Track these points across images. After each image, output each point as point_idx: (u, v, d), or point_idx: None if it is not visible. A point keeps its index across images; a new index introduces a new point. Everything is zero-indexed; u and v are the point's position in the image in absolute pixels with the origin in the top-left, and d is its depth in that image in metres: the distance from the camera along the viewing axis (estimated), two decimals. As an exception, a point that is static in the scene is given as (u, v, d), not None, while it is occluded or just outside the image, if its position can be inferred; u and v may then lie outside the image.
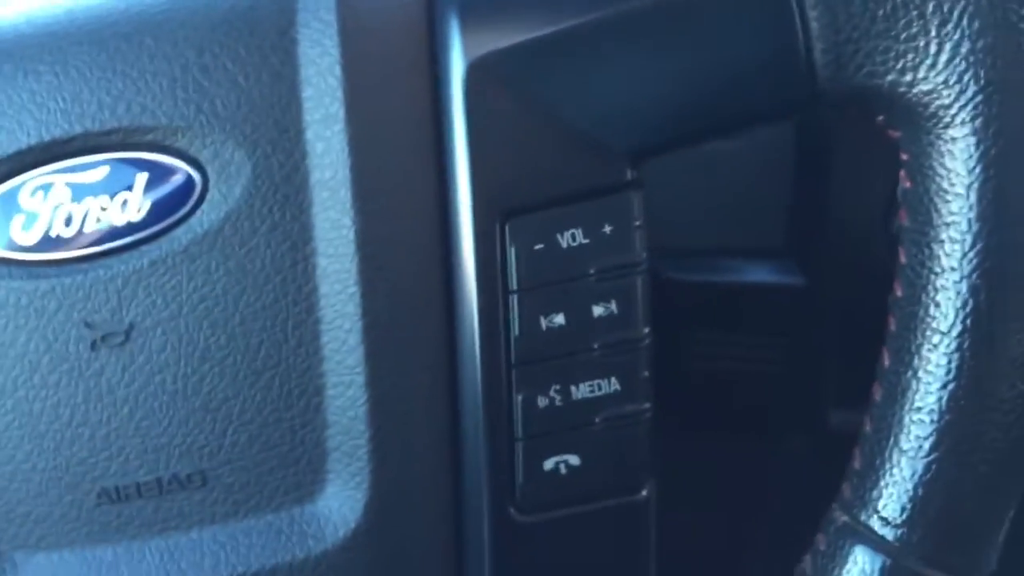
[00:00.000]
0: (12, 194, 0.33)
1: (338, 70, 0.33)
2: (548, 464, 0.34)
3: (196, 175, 0.33)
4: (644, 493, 0.35)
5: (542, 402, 0.34)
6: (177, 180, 0.33)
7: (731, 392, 0.51)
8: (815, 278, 0.47)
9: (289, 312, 0.34)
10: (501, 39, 0.32)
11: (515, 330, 0.33)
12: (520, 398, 0.34)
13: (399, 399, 0.34)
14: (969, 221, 0.29)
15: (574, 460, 0.34)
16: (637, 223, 0.33)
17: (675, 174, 0.47)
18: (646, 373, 0.34)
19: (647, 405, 0.34)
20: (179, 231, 0.33)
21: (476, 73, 0.33)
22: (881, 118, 0.31)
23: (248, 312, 0.33)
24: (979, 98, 0.29)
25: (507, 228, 0.33)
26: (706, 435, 0.54)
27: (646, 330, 0.34)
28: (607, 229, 0.33)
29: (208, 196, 0.33)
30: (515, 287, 0.33)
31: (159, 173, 0.33)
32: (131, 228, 0.33)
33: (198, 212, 0.33)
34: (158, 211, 0.33)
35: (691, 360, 0.49)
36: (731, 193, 0.48)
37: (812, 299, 0.47)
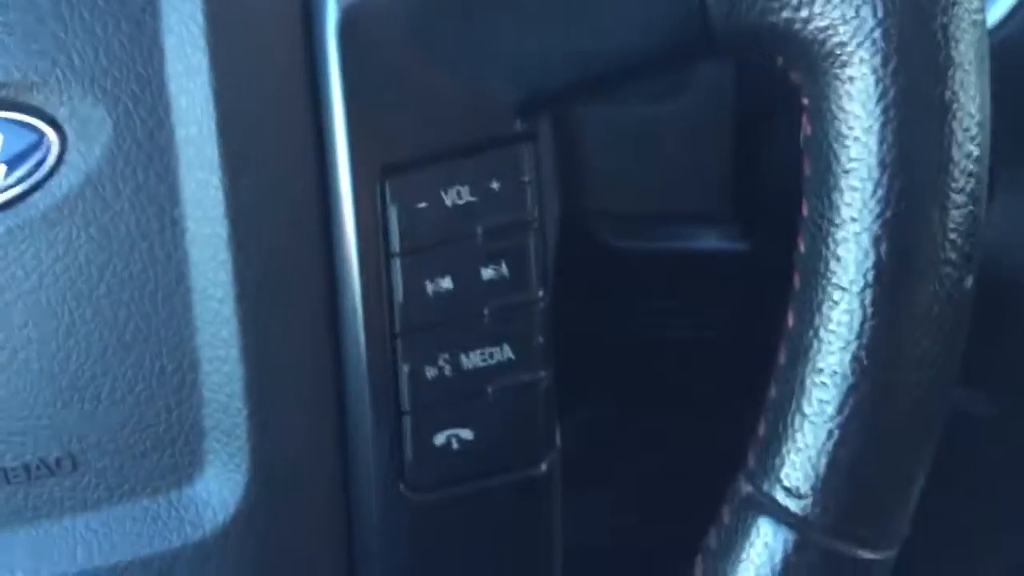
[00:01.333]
0: None
1: (200, 17, 0.31)
2: (439, 439, 0.33)
3: (53, 135, 0.31)
4: (544, 467, 0.34)
5: (430, 372, 0.32)
6: (33, 140, 0.31)
7: (675, 361, 0.51)
8: (759, 243, 0.46)
9: (158, 281, 0.32)
10: None
11: (399, 296, 0.32)
12: (406, 368, 0.32)
13: (278, 373, 0.32)
14: (869, 167, 0.27)
15: (466, 434, 0.33)
16: (526, 178, 0.32)
17: (617, 139, 0.47)
18: (541, 339, 0.33)
19: (543, 373, 0.33)
20: (36, 196, 0.31)
21: (351, 20, 0.31)
22: (780, 60, 0.29)
23: (114, 282, 0.31)
24: (876, 33, 0.27)
25: (387, 186, 0.31)
26: (649, 406, 0.54)
27: (540, 293, 0.33)
28: (495, 185, 0.32)
29: (67, 157, 0.31)
30: (397, 250, 0.32)
31: (13, 133, 0.31)
32: (-15, 194, 0.31)
33: (56, 175, 0.31)
34: (13, 174, 0.31)
35: (635, 329, 0.48)
36: (674, 158, 0.48)
37: (756, 264, 0.46)
